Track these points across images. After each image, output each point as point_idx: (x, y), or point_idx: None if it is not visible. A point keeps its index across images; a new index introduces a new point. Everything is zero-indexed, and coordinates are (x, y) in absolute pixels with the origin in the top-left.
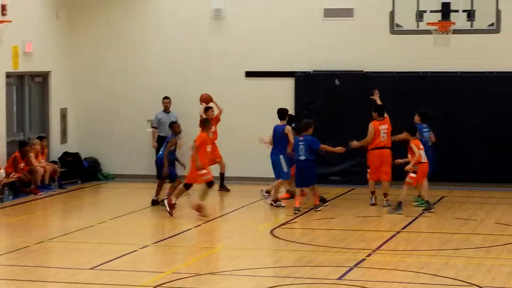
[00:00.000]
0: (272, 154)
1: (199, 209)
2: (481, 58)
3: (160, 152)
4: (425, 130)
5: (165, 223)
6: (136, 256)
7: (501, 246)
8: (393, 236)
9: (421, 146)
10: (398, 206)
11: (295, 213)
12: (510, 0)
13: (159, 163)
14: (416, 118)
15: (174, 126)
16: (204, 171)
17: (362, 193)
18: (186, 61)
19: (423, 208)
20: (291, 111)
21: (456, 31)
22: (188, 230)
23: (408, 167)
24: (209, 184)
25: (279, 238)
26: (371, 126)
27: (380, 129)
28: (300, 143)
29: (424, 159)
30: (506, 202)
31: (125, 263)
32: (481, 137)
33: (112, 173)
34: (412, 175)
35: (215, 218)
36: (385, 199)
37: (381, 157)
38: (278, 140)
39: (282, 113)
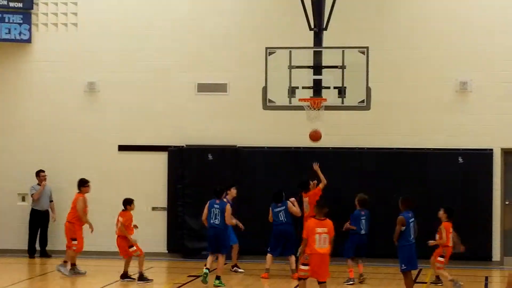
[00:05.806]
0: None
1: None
2: (352, 134)
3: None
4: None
5: None
6: None
7: None
8: None
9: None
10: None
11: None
12: (379, 78)
13: None
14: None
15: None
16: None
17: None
18: (59, 135)
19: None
20: (164, 186)
21: (327, 108)
22: None
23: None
24: None
25: None
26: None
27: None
28: None
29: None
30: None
31: None
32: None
33: None
34: (440, 258)
35: None
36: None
37: None
38: None
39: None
